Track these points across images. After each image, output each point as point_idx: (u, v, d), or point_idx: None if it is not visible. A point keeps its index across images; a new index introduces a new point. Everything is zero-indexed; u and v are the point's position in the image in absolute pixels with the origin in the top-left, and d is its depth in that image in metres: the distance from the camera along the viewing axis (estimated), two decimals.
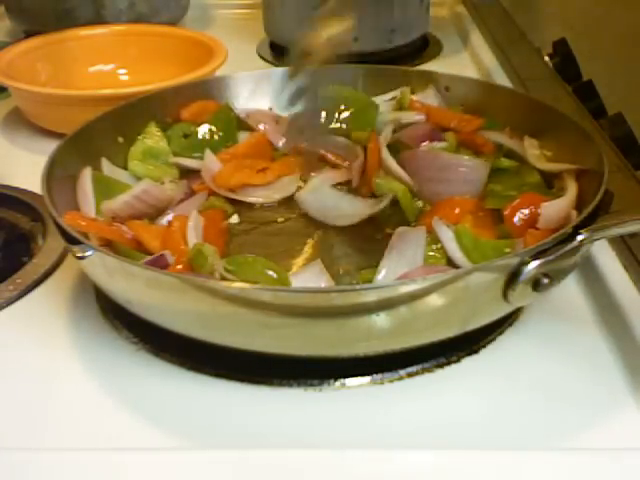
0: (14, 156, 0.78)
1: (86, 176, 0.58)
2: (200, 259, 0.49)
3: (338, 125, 0.67)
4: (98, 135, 0.62)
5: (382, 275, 0.50)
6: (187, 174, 0.64)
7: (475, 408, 0.46)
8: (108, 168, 0.62)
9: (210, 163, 0.63)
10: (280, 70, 0.72)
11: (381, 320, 0.43)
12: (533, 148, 0.61)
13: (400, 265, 0.50)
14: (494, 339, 0.51)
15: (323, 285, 0.50)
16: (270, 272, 0.48)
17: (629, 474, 0.40)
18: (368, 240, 0.57)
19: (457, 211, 0.55)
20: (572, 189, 0.55)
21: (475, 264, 0.50)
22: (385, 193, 0.58)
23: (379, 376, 0.48)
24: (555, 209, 0.53)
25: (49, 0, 1.00)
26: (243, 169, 0.63)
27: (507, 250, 0.51)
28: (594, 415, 0.45)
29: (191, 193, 0.61)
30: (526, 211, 0.54)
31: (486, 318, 0.48)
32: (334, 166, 0.64)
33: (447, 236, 0.52)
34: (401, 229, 0.53)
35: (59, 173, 0.55)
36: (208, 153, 0.64)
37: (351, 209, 0.59)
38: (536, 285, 0.45)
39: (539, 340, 0.51)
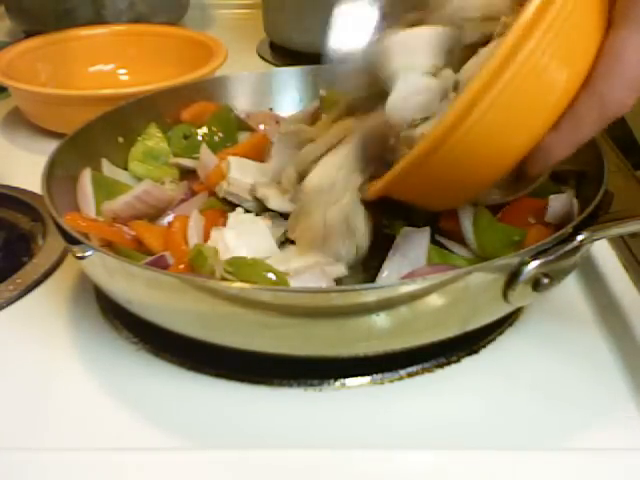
0: (14, 156, 0.78)
1: (86, 177, 0.58)
2: (200, 260, 0.49)
3: None
4: (98, 135, 0.62)
5: (385, 275, 0.50)
6: (187, 175, 0.64)
7: (475, 408, 0.46)
8: (108, 168, 0.62)
9: (206, 159, 0.61)
10: (280, 70, 0.73)
11: (381, 320, 0.43)
12: None
13: (403, 266, 0.50)
14: (494, 339, 0.51)
15: (323, 286, 0.50)
16: (270, 274, 0.48)
17: (629, 474, 0.40)
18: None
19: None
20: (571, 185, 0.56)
21: (479, 245, 0.51)
22: None
23: (379, 376, 0.48)
24: (561, 203, 0.53)
25: (49, 0, 1.00)
26: None
27: (516, 238, 0.51)
28: (594, 415, 0.45)
29: (192, 193, 0.61)
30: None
31: (486, 318, 0.48)
32: None
33: (466, 214, 0.52)
34: (405, 230, 0.53)
35: (59, 173, 0.55)
36: (204, 148, 0.63)
37: None
38: (536, 285, 0.45)
39: (539, 340, 0.51)
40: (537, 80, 0.42)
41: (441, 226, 0.54)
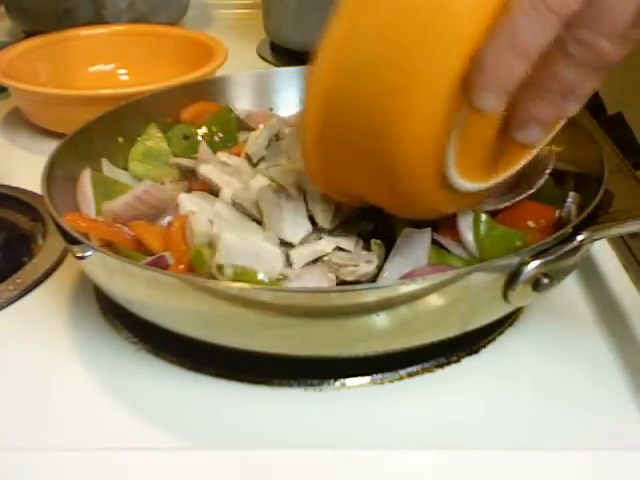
0: (14, 156, 0.78)
1: (86, 177, 0.58)
2: (200, 260, 0.49)
3: None
4: (98, 135, 0.62)
5: (385, 276, 0.50)
6: (187, 175, 0.64)
7: (475, 408, 0.46)
8: (108, 169, 0.62)
9: (205, 157, 0.61)
10: (280, 70, 0.73)
11: (381, 320, 0.43)
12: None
13: (404, 267, 0.50)
14: (494, 339, 0.51)
15: (324, 286, 0.50)
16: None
17: (629, 474, 0.40)
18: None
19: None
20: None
21: (480, 252, 0.50)
22: None
23: (379, 376, 0.48)
24: None
25: (49, 0, 1.00)
26: None
27: (518, 243, 0.50)
28: (594, 415, 0.45)
29: None
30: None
31: (486, 318, 0.48)
32: None
33: (466, 218, 0.51)
34: (406, 230, 0.53)
35: (59, 173, 0.55)
36: (203, 146, 0.62)
37: None
38: (536, 285, 0.45)
39: (539, 340, 0.51)
40: None
41: (441, 234, 0.52)
